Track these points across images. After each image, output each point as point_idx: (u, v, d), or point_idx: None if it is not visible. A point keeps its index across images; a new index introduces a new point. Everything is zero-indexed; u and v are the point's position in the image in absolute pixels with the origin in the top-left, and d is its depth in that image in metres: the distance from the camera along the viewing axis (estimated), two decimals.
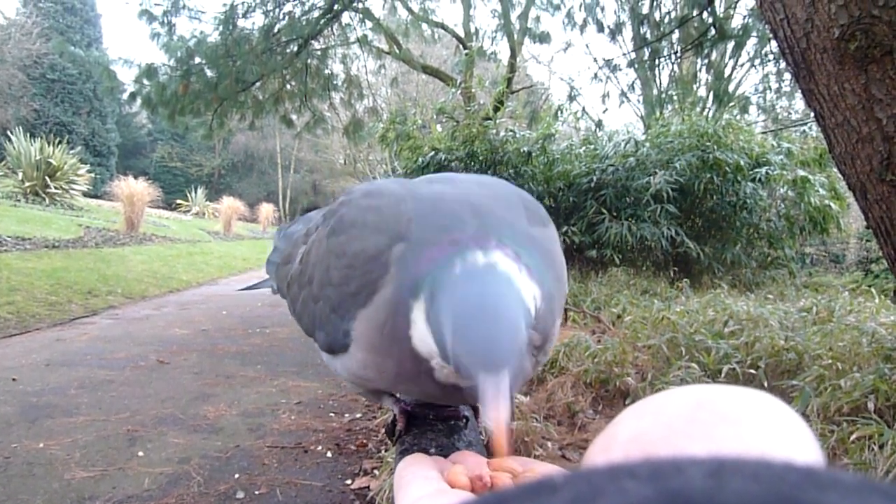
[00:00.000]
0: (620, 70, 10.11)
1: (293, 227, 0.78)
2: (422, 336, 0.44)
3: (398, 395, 0.62)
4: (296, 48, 8.27)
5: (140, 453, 2.81)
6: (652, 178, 6.41)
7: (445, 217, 0.48)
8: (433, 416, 0.59)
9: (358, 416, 3.50)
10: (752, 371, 3.34)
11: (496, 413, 0.37)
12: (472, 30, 11.76)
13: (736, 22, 7.88)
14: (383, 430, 3.06)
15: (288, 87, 9.07)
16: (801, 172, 6.76)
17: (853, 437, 2.41)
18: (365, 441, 3.10)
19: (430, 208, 0.50)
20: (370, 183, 0.58)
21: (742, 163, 6.57)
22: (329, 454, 2.94)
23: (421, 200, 0.51)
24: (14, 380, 3.82)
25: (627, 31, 10.38)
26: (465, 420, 0.59)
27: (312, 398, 3.81)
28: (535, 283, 0.44)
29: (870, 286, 7.25)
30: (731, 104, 8.53)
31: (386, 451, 2.84)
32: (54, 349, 4.67)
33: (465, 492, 0.36)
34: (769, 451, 0.20)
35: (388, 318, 0.47)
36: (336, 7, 8.40)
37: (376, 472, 2.67)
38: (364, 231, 0.51)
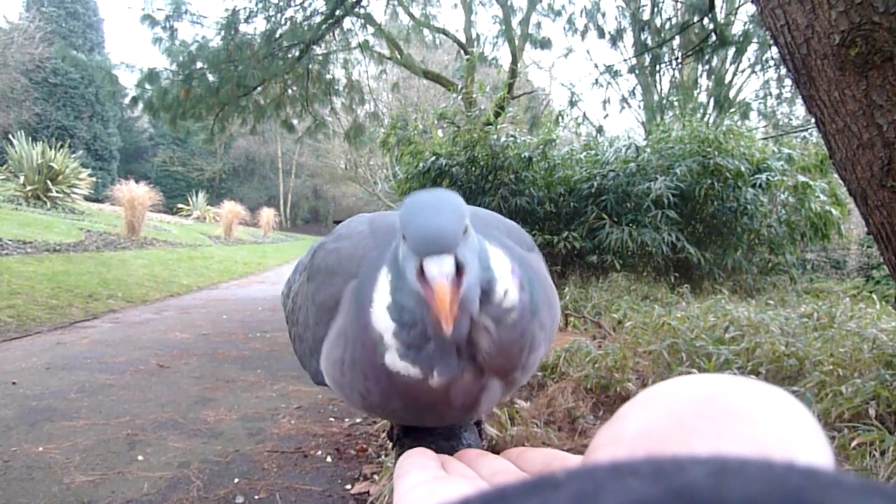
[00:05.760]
0: (621, 76, 10.14)
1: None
2: (380, 307, 0.43)
3: None
4: (297, 53, 8.30)
5: (140, 457, 2.81)
6: (653, 183, 6.42)
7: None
8: None
9: (358, 420, 3.49)
10: (753, 377, 3.32)
11: (439, 286, 0.37)
12: (474, 35, 11.82)
13: (737, 28, 7.95)
14: (384, 434, 3.06)
15: (289, 91, 9.10)
16: (802, 178, 6.77)
17: (854, 443, 2.40)
18: (365, 446, 3.09)
19: (387, 237, 0.50)
20: (346, 223, 0.58)
21: (743, 168, 6.58)
22: (329, 459, 2.93)
23: (379, 232, 0.52)
24: (14, 383, 3.81)
25: (628, 37, 10.44)
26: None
27: (312, 403, 3.80)
28: (512, 259, 0.44)
29: (871, 292, 7.27)
30: (732, 110, 8.57)
31: (386, 456, 2.83)
32: (55, 353, 4.67)
33: (463, 479, 0.36)
34: (780, 451, 0.20)
35: (343, 351, 0.48)
36: (338, 12, 8.44)
37: (376, 477, 2.66)
38: (327, 278, 0.52)
